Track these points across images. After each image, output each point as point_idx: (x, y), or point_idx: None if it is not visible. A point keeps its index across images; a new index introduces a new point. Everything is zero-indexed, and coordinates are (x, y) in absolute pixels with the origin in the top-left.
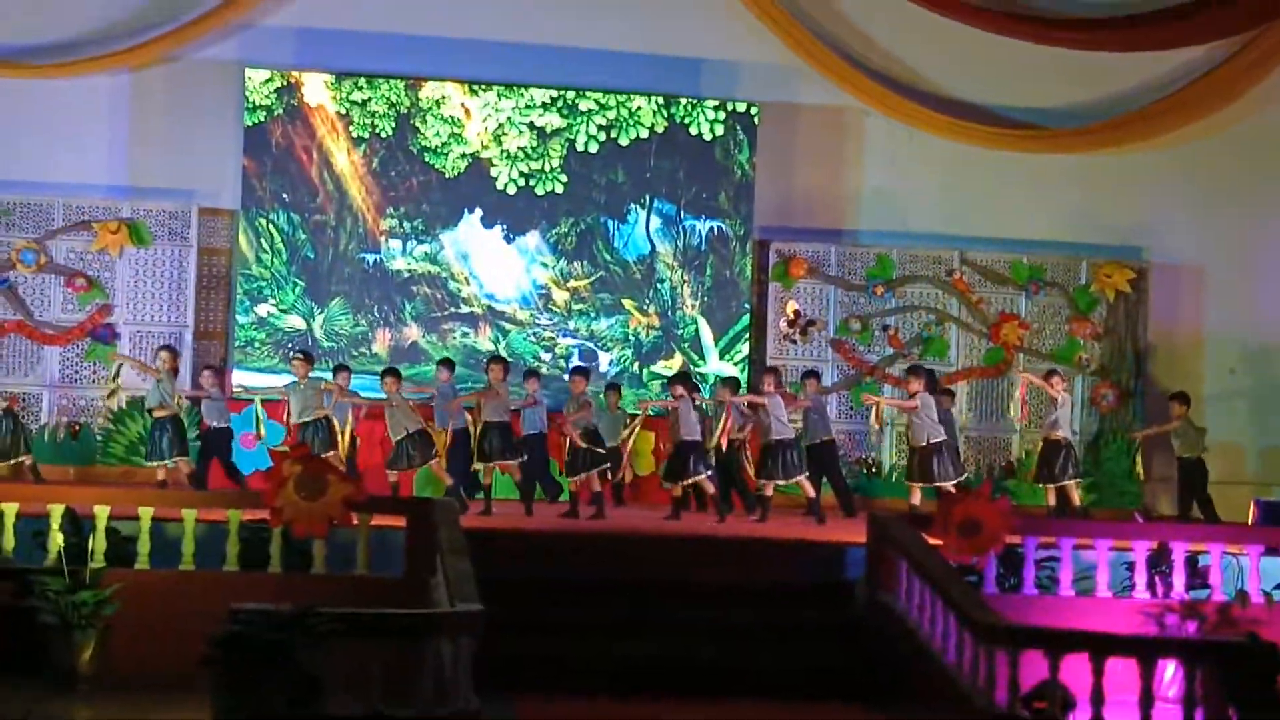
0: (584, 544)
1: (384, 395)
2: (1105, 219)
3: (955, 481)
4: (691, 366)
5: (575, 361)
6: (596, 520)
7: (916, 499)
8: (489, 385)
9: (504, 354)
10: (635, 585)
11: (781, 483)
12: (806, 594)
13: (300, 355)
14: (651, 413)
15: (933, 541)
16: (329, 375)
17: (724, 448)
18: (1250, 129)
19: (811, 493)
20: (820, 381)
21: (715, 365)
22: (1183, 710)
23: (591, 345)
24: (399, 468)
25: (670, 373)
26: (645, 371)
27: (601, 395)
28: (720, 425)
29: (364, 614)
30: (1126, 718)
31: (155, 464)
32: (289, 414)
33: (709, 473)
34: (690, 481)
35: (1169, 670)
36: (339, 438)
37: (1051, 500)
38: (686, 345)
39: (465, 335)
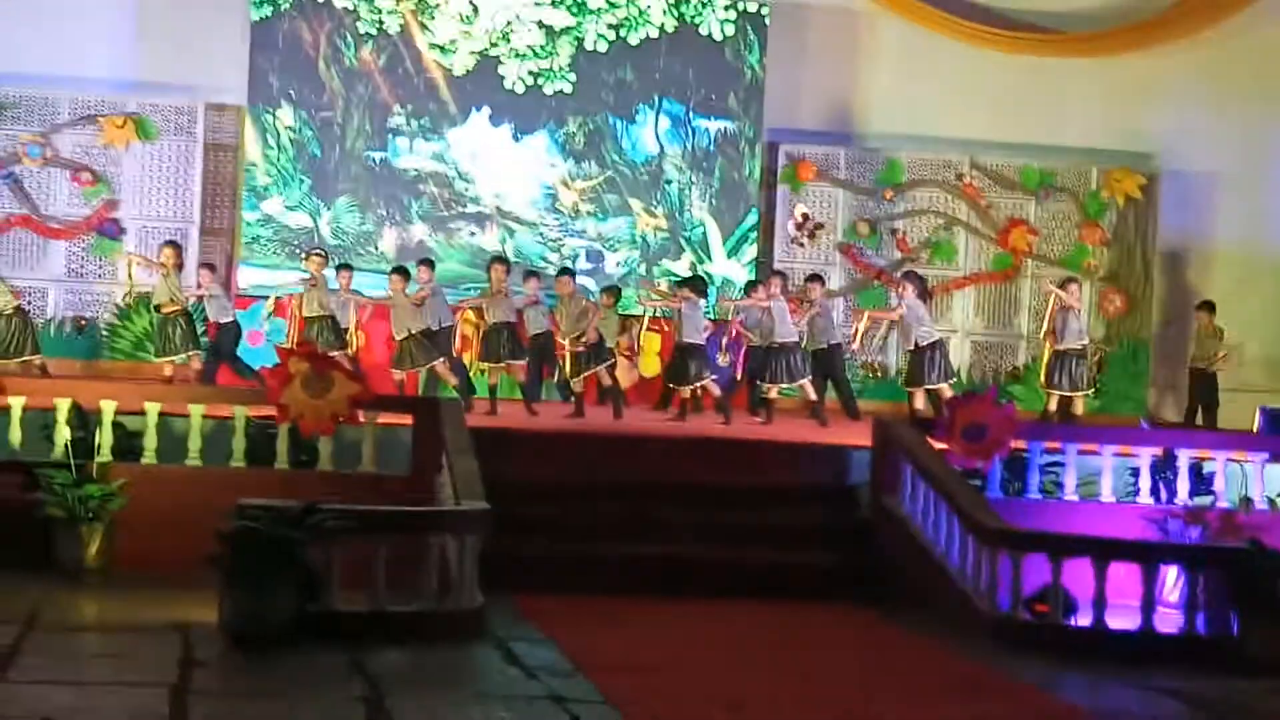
0: (588, 445)
1: (389, 294)
2: (1117, 125)
3: (949, 383)
4: (698, 267)
5: (582, 262)
6: (613, 419)
7: (920, 402)
8: (492, 286)
9: (509, 254)
10: (639, 486)
11: (786, 386)
12: (810, 496)
13: (319, 253)
14: (661, 313)
15: (937, 445)
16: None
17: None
18: (1267, 37)
19: (814, 396)
20: (825, 285)
21: (722, 266)
22: (1184, 615)
23: (599, 246)
24: (402, 368)
25: (678, 276)
26: (656, 270)
27: (598, 296)
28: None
29: (370, 510)
30: (1128, 622)
31: (166, 359)
32: (298, 309)
33: (713, 376)
34: (698, 385)
35: (1171, 575)
36: (347, 336)
37: (1052, 406)
38: (694, 247)
39: (472, 235)
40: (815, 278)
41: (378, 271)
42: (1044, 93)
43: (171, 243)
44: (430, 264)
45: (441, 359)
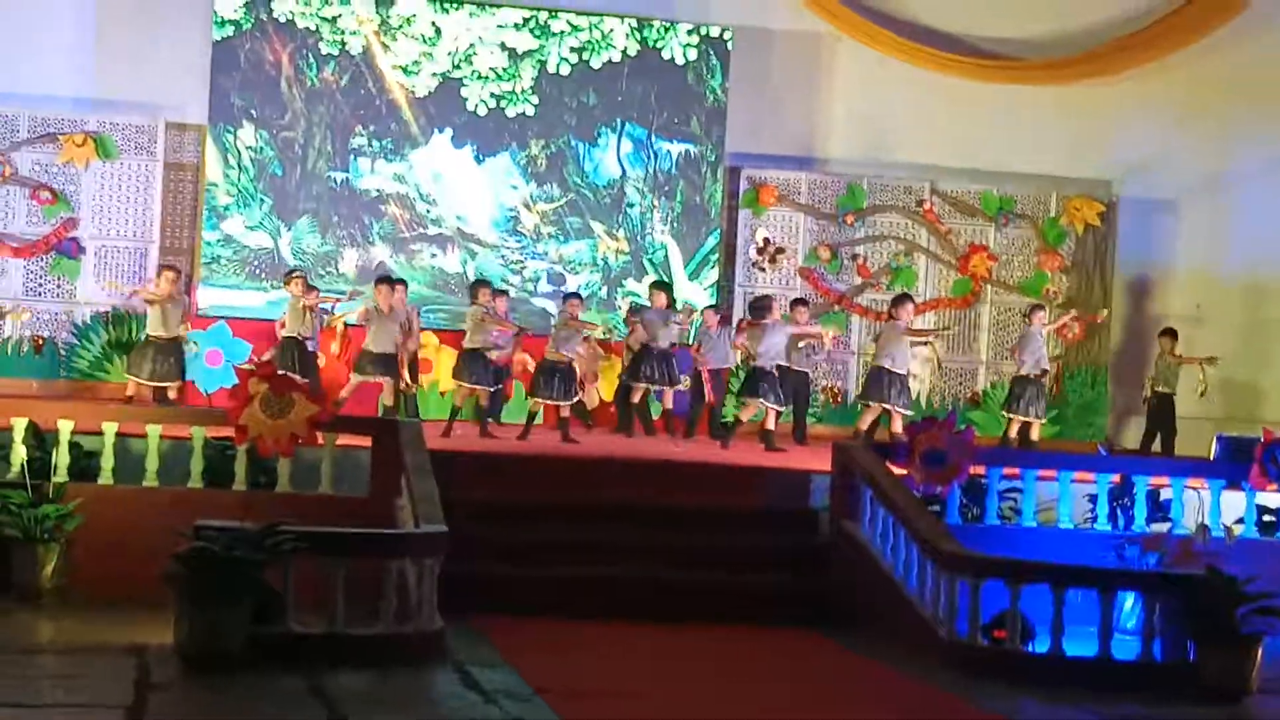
0: (546, 467)
1: (373, 304)
2: (1077, 152)
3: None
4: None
5: (543, 285)
6: (561, 442)
7: (866, 423)
8: (481, 310)
9: (472, 277)
10: (596, 508)
11: (771, 409)
12: (770, 520)
13: (299, 274)
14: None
15: (897, 471)
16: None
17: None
18: (1223, 63)
19: (772, 423)
20: (809, 309)
21: (684, 288)
22: (1141, 641)
23: (560, 269)
24: (361, 374)
25: (639, 296)
26: (619, 292)
27: (562, 307)
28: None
29: (328, 532)
30: (1086, 648)
31: (157, 383)
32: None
33: (675, 386)
34: (652, 390)
35: (1129, 602)
36: (316, 359)
37: (1013, 432)
38: (656, 269)
39: (434, 256)
40: (800, 301)
41: (337, 291)
42: (1004, 119)
43: (171, 266)
44: (403, 283)
45: (405, 383)
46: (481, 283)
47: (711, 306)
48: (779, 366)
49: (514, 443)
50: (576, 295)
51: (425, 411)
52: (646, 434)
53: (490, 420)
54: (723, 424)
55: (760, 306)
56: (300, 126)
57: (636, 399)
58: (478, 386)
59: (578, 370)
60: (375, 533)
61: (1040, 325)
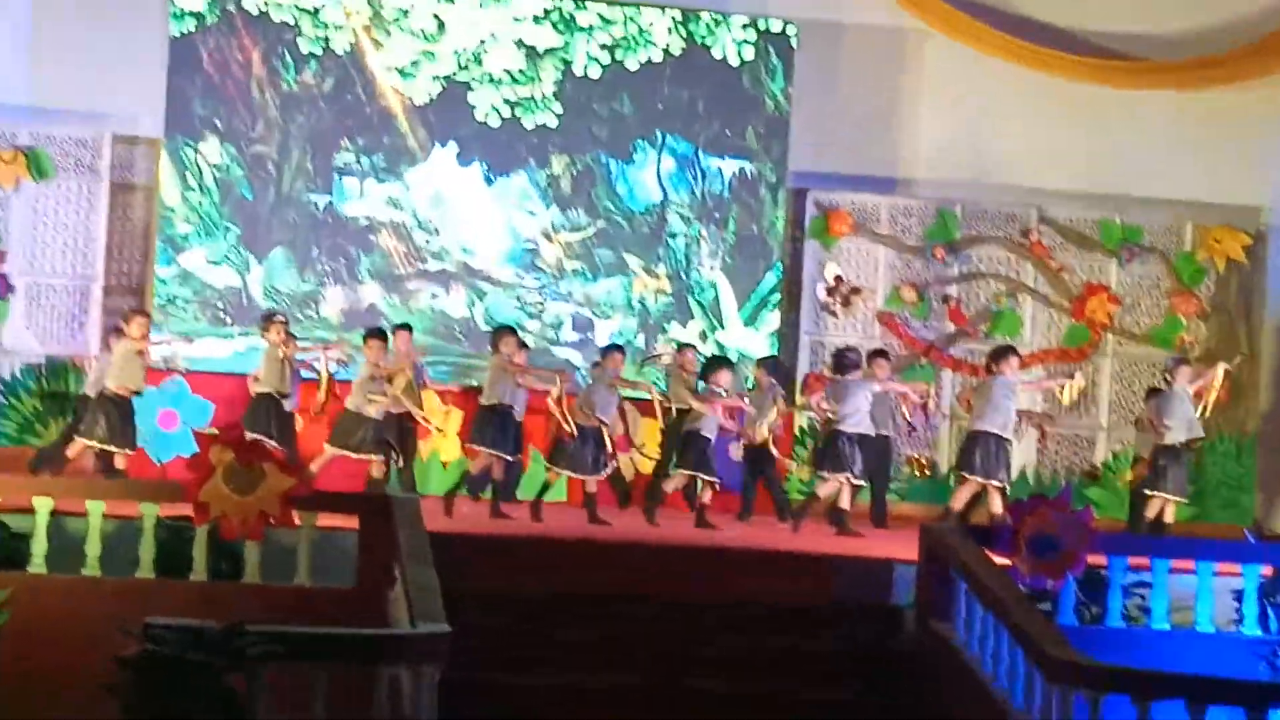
0: (569, 552)
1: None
2: (1218, 172)
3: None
4: (709, 337)
5: (567, 331)
6: (596, 525)
7: (960, 502)
8: (512, 362)
9: (480, 322)
10: (628, 604)
11: (849, 484)
12: (841, 619)
13: (282, 319)
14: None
15: (999, 560)
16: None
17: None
18: None
19: (847, 502)
20: (890, 363)
21: (738, 336)
22: None
23: (587, 312)
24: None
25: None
26: (659, 340)
27: (587, 367)
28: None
29: (306, 633)
30: None
31: (112, 448)
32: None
33: (716, 478)
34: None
35: None
36: (294, 421)
37: (1152, 513)
38: (705, 313)
39: (434, 297)
40: (880, 352)
41: (318, 338)
42: (1129, 132)
43: (141, 311)
44: (408, 329)
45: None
46: (505, 330)
47: (764, 360)
48: (860, 433)
49: (531, 524)
50: (618, 348)
51: (424, 485)
52: (697, 524)
53: (504, 497)
54: (790, 503)
55: (847, 361)
56: (274, 140)
57: (670, 488)
58: (494, 452)
59: (607, 437)
60: (363, 633)
61: (1186, 383)
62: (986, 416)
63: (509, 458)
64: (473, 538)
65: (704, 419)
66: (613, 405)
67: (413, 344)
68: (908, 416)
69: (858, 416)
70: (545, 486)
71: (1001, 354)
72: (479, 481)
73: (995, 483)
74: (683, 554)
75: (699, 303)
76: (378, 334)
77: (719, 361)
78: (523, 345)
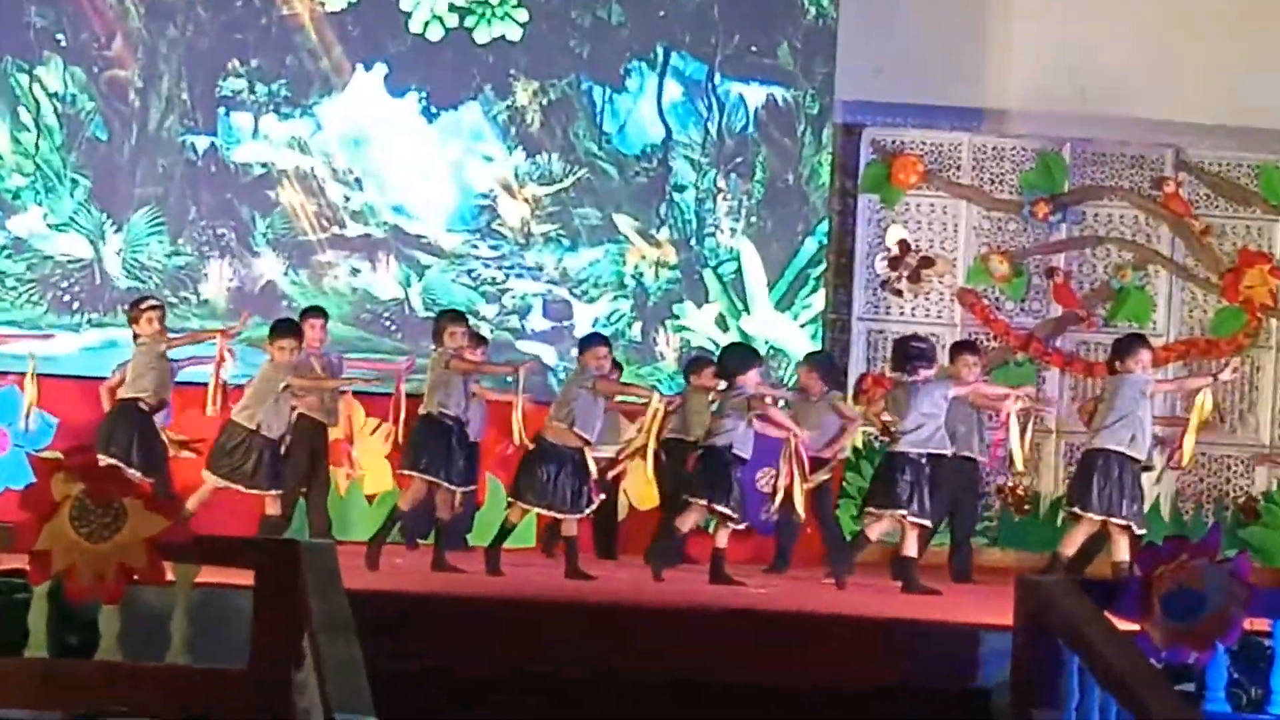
0: (540, 617)
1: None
2: None
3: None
4: (730, 324)
5: (537, 318)
6: (577, 578)
7: (1072, 546)
8: (458, 356)
9: (416, 305)
10: (622, 685)
11: (913, 524)
12: (910, 706)
13: (155, 305)
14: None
15: (1124, 626)
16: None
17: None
18: None
19: (914, 549)
20: (980, 359)
21: (767, 323)
22: None
23: (564, 292)
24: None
25: (692, 338)
26: (662, 329)
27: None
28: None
29: None
30: None
31: None
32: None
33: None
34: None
35: None
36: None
37: None
38: (724, 291)
39: (355, 273)
40: (967, 345)
41: (201, 327)
42: None
43: None
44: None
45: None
46: (451, 316)
47: (815, 358)
48: (930, 454)
49: (488, 579)
50: (602, 340)
51: (343, 528)
52: (713, 578)
53: (450, 543)
54: (840, 545)
55: (912, 353)
56: (138, 62)
57: (685, 527)
58: (436, 480)
59: (590, 461)
60: None
61: None
62: (1109, 429)
63: (456, 488)
64: (409, 598)
65: (731, 430)
66: (597, 417)
67: (327, 335)
68: (1006, 435)
69: (925, 431)
70: (507, 529)
71: (1129, 345)
72: (417, 521)
73: (1120, 521)
74: (692, 620)
75: (716, 279)
76: (289, 331)
77: (743, 354)
78: (477, 338)
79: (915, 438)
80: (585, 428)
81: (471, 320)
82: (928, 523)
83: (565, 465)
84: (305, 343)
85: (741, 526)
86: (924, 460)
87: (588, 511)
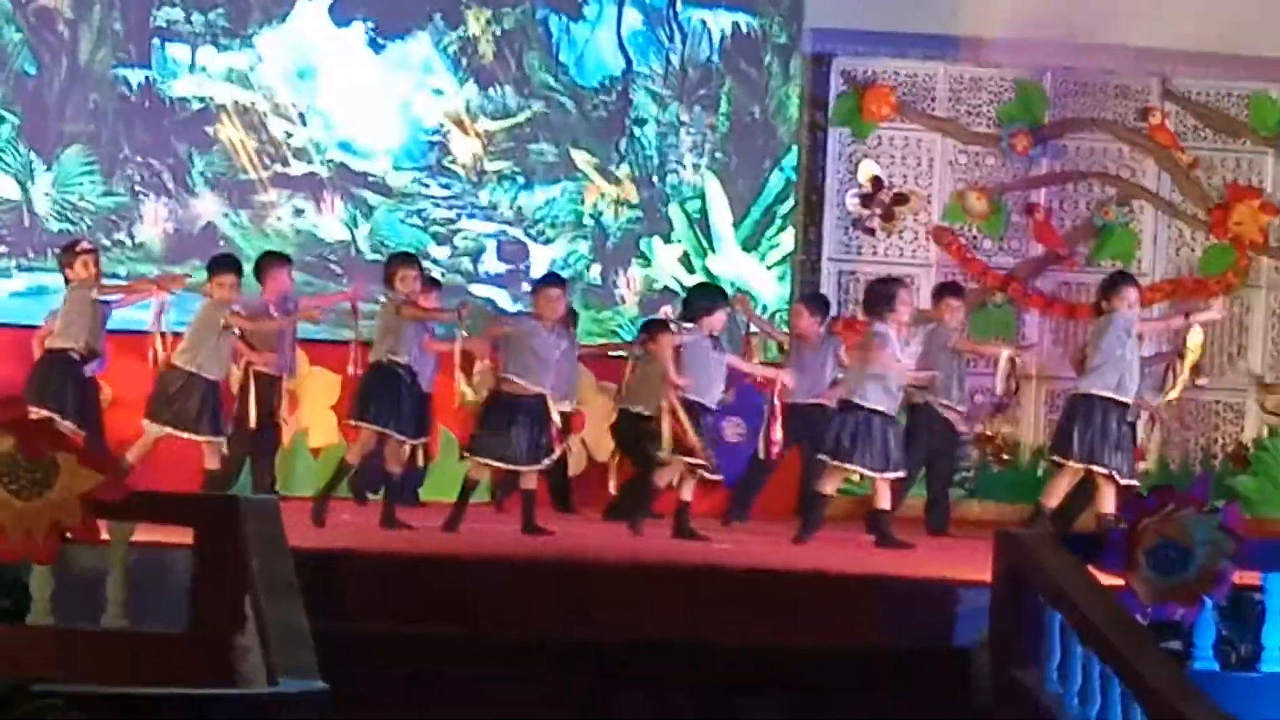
0: (495, 577)
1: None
2: None
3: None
4: (697, 264)
5: (491, 260)
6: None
7: (1055, 497)
8: (408, 301)
9: (364, 247)
10: (592, 649)
11: (863, 475)
12: (884, 668)
13: (89, 249)
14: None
15: (1108, 580)
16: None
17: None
18: None
19: (886, 501)
20: (963, 301)
21: (734, 264)
22: None
23: (519, 233)
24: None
25: (659, 283)
26: (623, 271)
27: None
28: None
29: (119, 695)
30: None
31: None
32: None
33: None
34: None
35: None
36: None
37: None
38: (691, 231)
39: (298, 214)
40: (951, 288)
41: (131, 277)
42: None
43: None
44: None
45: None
46: (402, 259)
47: (812, 300)
48: (910, 405)
49: (441, 536)
50: (556, 280)
51: (287, 483)
52: (677, 533)
53: (402, 498)
54: (814, 496)
55: (881, 295)
56: None
57: (663, 482)
58: (385, 431)
59: (553, 412)
60: (200, 694)
61: None
62: (1095, 373)
63: (407, 440)
64: (358, 557)
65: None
66: (549, 365)
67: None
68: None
69: (890, 381)
70: (469, 486)
71: (1114, 284)
72: (366, 475)
73: (1103, 469)
74: (656, 578)
75: (683, 215)
76: (228, 266)
77: (710, 294)
78: (430, 282)
79: (878, 389)
80: (541, 378)
81: (424, 264)
82: (896, 474)
83: (520, 416)
84: (266, 292)
85: (717, 478)
86: (884, 411)
87: (545, 464)
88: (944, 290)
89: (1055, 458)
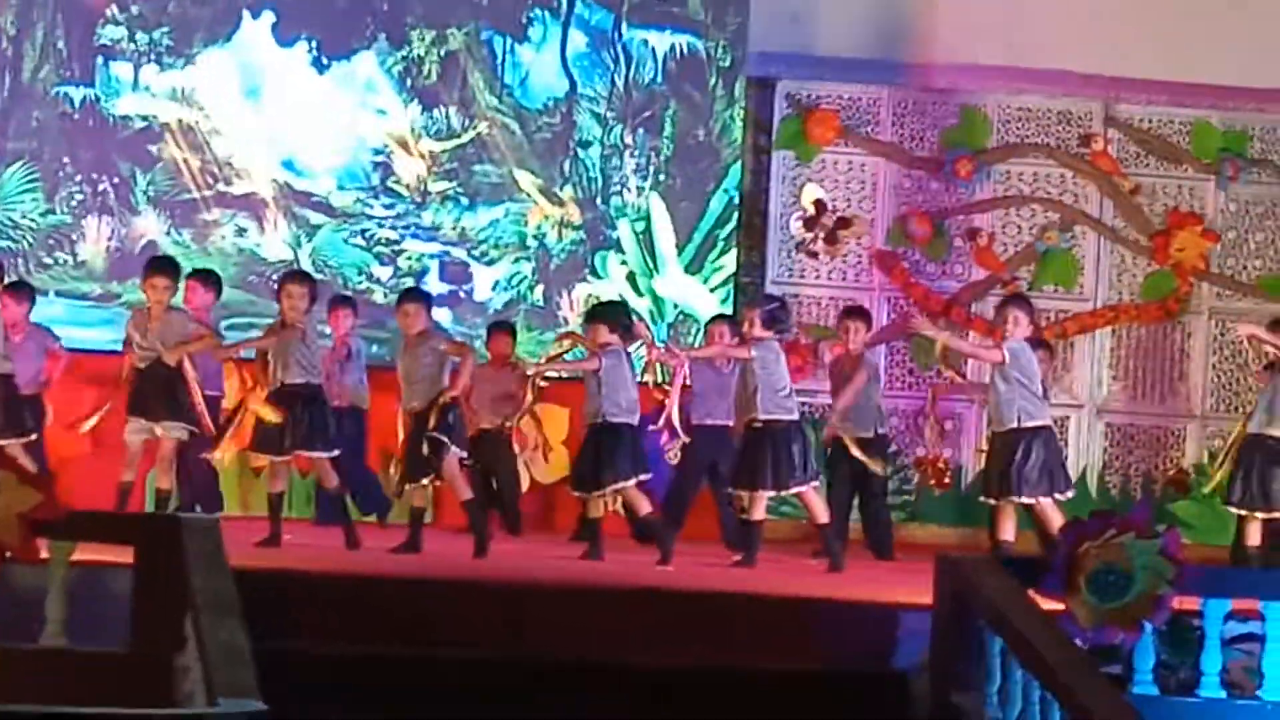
0: (444, 598)
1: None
2: None
3: (1059, 496)
4: (639, 284)
5: (435, 281)
6: (473, 556)
7: (1008, 530)
8: (282, 322)
9: (307, 267)
10: (532, 673)
11: (772, 495)
12: (823, 691)
13: None
14: (560, 375)
15: (1048, 604)
16: None
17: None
18: None
19: (823, 515)
20: (870, 326)
21: (678, 285)
22: None
23: (464, 254)
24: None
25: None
26: (564, 294)
27: (481, 343)
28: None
29: (57, 714)
30: None
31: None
32: None
33: (642, 476)
34: (613, 490)
35: None
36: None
37: (1251, 537)
38: (639, 253)
39: (241, 233)
40: (856, 312)
41: (73, 295)
42: None
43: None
44: (213, 278)
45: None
46: (293, 277)
47: (722, 318)
48: (770, 420)
49: (390, 558)
50: (506, 327)
51: (232, 500)
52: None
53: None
54: (741, 521)
55: (780, 315)
56: (11, 7)
57: (601, 510)
58: (311, 454)
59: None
60: (140, 714)
61: None
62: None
63: (328, 454)
64: (295, 576)
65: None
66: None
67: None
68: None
69: (769, 396)
70: (418, 515)
71: (1010, 307)
72: (366, 496)
73: (1026, 499)
74: (596, 599)
75: (633, 235)
76: (165, 267)
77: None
78: (343, 303)
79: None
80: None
81: (365, 283)
82: (774, 491)
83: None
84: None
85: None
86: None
87: (425, 482)
88: (850, 314)
89: (993, 500)
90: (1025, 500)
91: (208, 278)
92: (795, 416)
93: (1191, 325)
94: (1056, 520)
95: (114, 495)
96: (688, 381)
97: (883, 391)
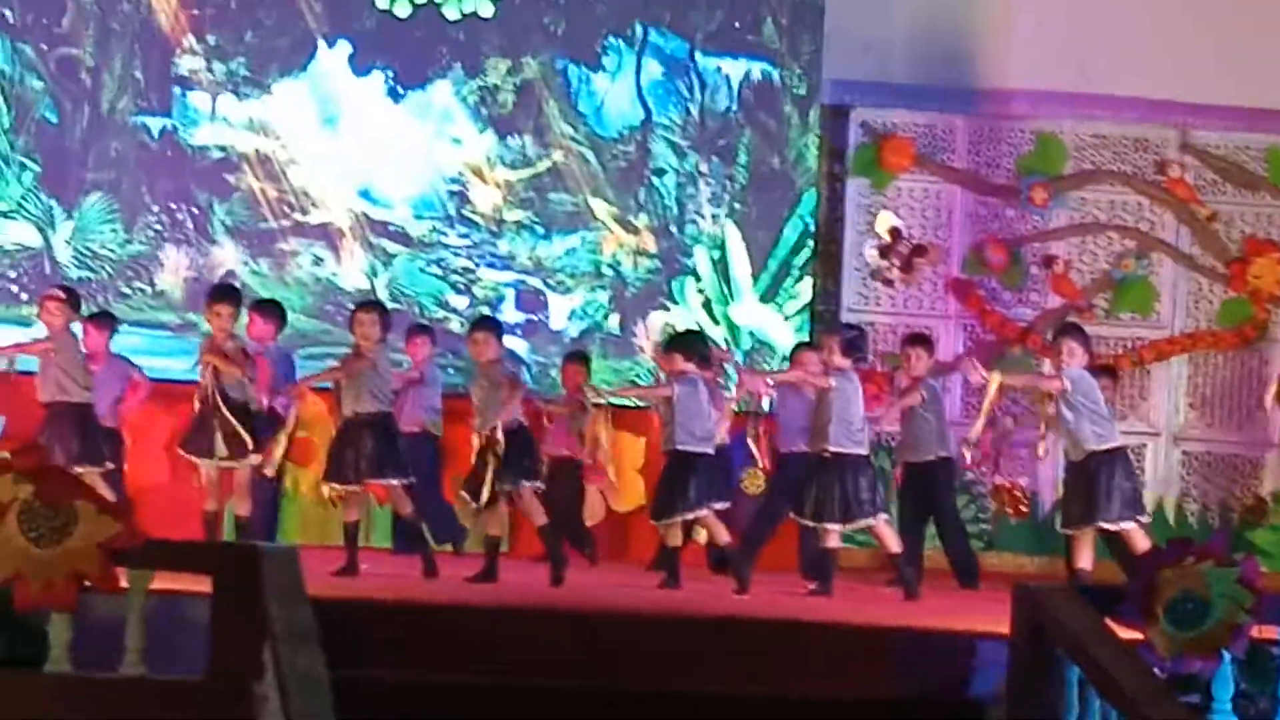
0: (520, 627)
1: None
2: None
3: (1134, 521)
4: (714, 313)
5: (510, 310)
6: (551, 585)
7: (1085, 559)
8: (355, 352)
9: (383, 296)
10: (607, 702)
11: (841, 528)
12: (903, 718)
13: (58, 295)
14: (632, 402)
15: (1127, 634)
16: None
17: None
18: None
19: (895, 545)
20: (933, 353)
21: (752, 313)
22: None
23: (539, 282)
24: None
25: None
26: (639, 322)
27: (555, 372)
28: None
29: None
30: None
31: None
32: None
33: (721, 505)
34: (685, 518)
35: None
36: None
37: None
38: (716, 281)
39: (317, 262)
40: (918, 339)
41: (151, 325)
42: None
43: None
44: (275, 310)
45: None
46: (364, 306)
47: (806, 345)
48: (840, 453)
49: (466, 586)
50: (581, 358)
51: (303, 528)
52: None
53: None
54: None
55: (852, 344)
56: (90, 39)
57: (679, 539)
58: (383, 481)
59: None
60: None
61: None
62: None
63: (402, 481)
64: (377, 606)
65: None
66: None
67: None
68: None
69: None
70: (494, 544)
71: (1064, 335)
72: (439, 524)
73: (1107, 525)
74: (674, 628)
75: (708, 261)
76: (227, 295)
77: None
78: (421, 330)
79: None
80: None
81: (441, 312)
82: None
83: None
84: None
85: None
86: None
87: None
88: (912, 341)
89: (1072, 529)
90: (1107, 526)
91: (268, 309)
92: (865, 451)
93: (1269, 353)
94: (1142, 544)
95: (192, 523)
96: (772, 408)
97: (955, 417)
